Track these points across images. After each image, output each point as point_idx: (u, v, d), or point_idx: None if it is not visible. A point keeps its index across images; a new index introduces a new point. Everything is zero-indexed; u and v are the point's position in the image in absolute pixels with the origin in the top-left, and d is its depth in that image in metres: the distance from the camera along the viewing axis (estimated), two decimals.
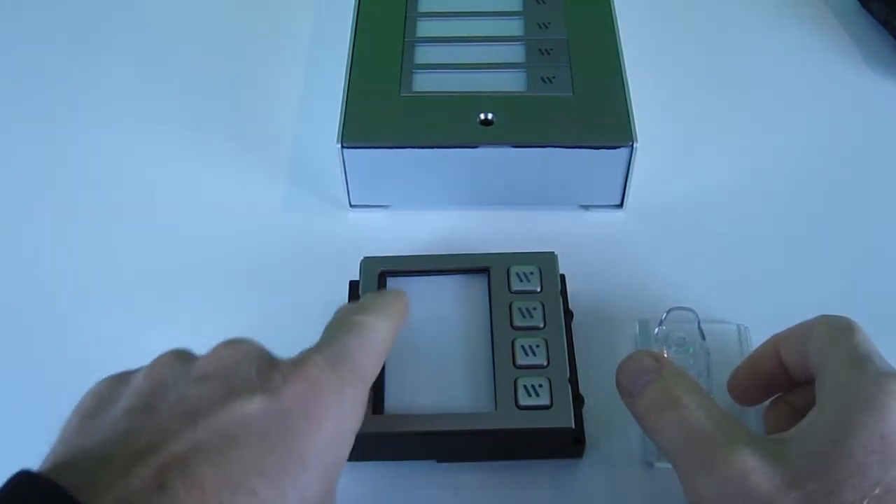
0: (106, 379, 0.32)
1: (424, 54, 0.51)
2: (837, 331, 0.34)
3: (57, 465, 0.26)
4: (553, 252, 0.44)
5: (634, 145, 0.46)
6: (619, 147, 0.46)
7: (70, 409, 0.31)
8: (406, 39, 0.52)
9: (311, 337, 0.44)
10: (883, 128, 0.55)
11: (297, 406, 0.29)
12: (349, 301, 0.43)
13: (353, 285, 0.44)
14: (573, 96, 0.49)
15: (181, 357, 0.32)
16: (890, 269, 0.48)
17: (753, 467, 0.30)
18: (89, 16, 0.62)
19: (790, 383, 0.37)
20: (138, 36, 0.61)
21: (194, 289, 0.47)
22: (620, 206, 0.50)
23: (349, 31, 0.52)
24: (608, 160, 0.47)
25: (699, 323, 0.42)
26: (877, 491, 0.29)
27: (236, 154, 0.53)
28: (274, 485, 0.26)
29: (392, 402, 0.39)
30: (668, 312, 0.42)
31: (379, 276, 0.43)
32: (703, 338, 0.42)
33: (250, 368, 0.30)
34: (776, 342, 0.37)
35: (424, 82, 0.50)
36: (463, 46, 0.52)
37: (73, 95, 0.57)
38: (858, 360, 0.32)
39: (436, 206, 0.50)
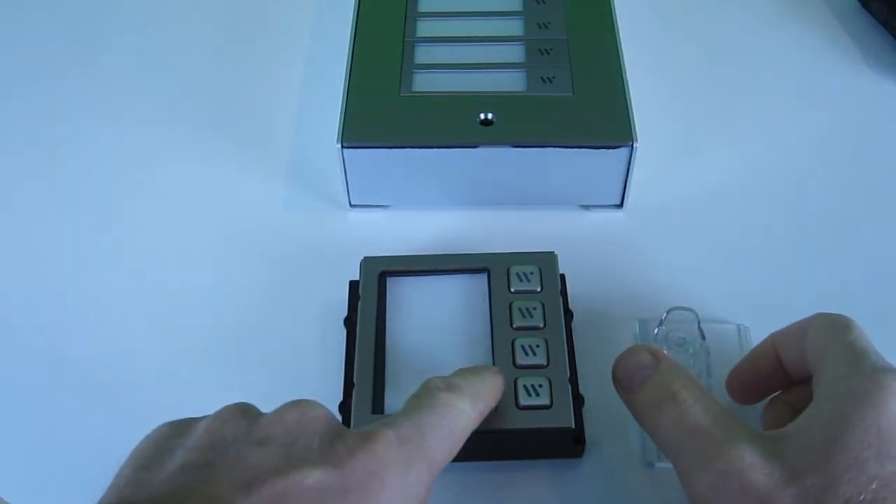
0: (166, 425, 0.31)
1: (424, 54, 0.51)
2: (834, 328, 0.34)
3: None
4: (553, 252, 0.44)
5: (634, 145, 0.46)
6: (619, 147, 0.46)
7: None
8: (406, 39, 0.52)
9: (312, 337, 0.44)
10: (883, 128, 0.55)
11: (358, 483, 0.27)
12: (349, 301, 0.44)
13: (353, 285, 0.44)
14: (573, 96, 0.49)
15: (245, 413, 0.30)
16: (890, 269, 0.48)
17: (751, 463, 0.30)
18: (89, 16, 0.62)
19: (788, 381, 0.37)
20: (138, 36, 0.61)
21: (194, 289, 0.47)
22: (620, 206, 0.50)
23: (349, 31, 0.52)
24: (608, 160, 0.47)
25: (699, 323, 0.42)
26: (873, 485, 0.29)
27: (236, 154, 0.53)
28: None
29: (392, 402, 0.39)
30: (668, 312, 0.42)
31: (379, 276, 0.43)
32: (703, 338, 0.42)
33: (314, 437, 0.29)
34: (774, 340, 0.38)
35: (424, 82, 0.50)
36: (463, 46, 0.52)
37: (73, 95, 0.57)
38: (855, 356, 0.32)
39: (436, 206, 0.50)
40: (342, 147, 0.47)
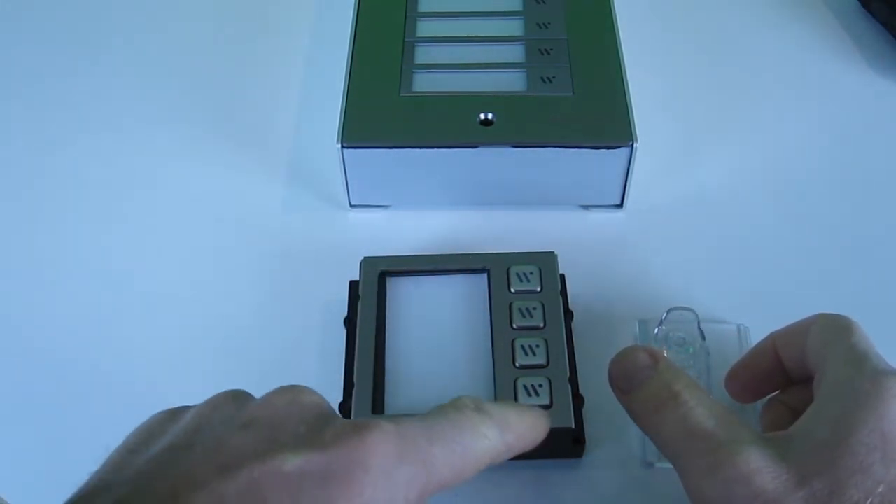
0: (161, 412, 0.30)
1: (424, 54, 0.51)
2: (835, 329, 0.34)
3: (73, 500, 0.25)
4: (553, 252, 0.44)
5: (634, 145, 0.46)
6: (619, 147, 0.46)
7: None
8: (406, 39, 0.52)
9: (312, 337, 0.44)
10: (883, 128, 0.55)
11: (340, 471, 0.26)
12: (349, 301, 0.44)
13: (353, 285, 0.44)
14: (573, 96, 0.49)
15: (237, 398, 0.30)
16: (890, 269, 0.48)
17: (758, 467, 0.30)
18: (89, 16, 0.62)
19: (787, 381, 0.37)
20: (138, 36, 0.61)
21: (194, 289, 0.47)
22: (620, 206, 0.50)
23: (349, 31, 0.52)
24: (608, 160, 0.47)
25: (699, 323, 0.42)
26: (880, 489, 0.29)
27: (236, 154, 0.53)
28: None
29: (392, 401, 0.39)
30: (668, 312, 0.42)
31: (379, 276, 0.43)
32: (703, 338, 0.42)
33: (301, 422, 0.28)
34: (774, 340, 0.37)
35: (424, 82, 0.50)
36: (463, 46, 0.52)
37: (72, 95, 0.57)
38: (856, 358, 0.32)
39: (436, 206, 0.50)
40: (342, 147, 0.47)
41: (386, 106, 0.49)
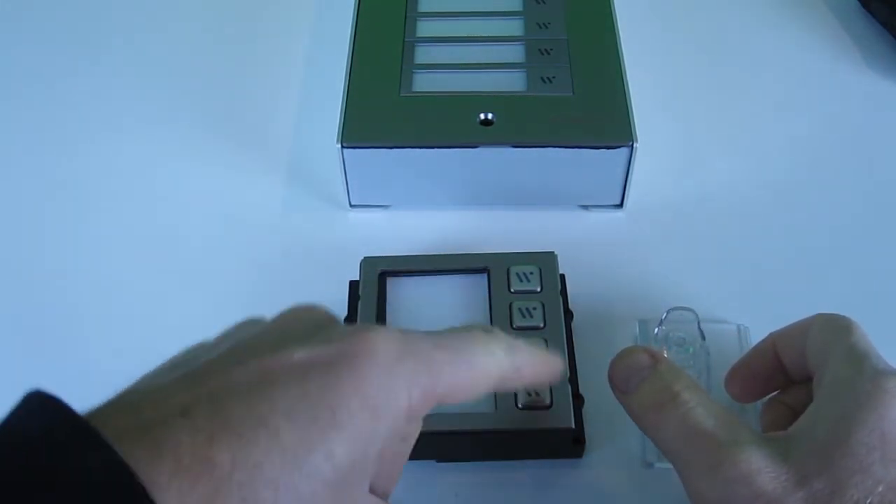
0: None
1: (424, 54, 0.51)
2: (835, 329, 0.34)
3: (108, 402, 0.26)
4: (553, 252, 0.44)
5: (634, 145, 0.46)
6: (619, 147, 0.46)
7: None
8: (406, 39, 0.52)
9: None
10: (883, 128, 0.55)
11: (342, 357, 0.27)
12: (349, 301, 0.44)
13: (353, 285, 0.44)
14: (573, 96, 0.49)
15: (254, 321, 0.32)
16: (890, 269, 0.48)
17: (758, 467, 0.30)
18: (89, 16, 0.62)
19: (787, 381, 0.37)
20: (138, 36, 0.61)
21: (194, 289, 0.47)
22: (620, 206, 0.50)
23: (349, 31, 0.52)
24: (608, 160, 0.47)
25: (699, 323, 0.42)
26: (880, 489, 0.29)
27: (236, 154, 0.53)
28: (297, 430, 0.25)
29: None
30: (668, 312, 0.42)
31: (379, 276, 0.43)
32: (703, 338, 0.42)
33: (311, 325, 0.30)
34: (774, 340, 0.38)
35: (424, 82, 0.50)
36: (463, 46, 0.52)
37: (72, 95, 0.57)
38: (856, 358, 0.32)
39: (436, 206, 0.50)
40: (342, 147, 0.47)
41: (386, 106, 0.49)
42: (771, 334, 0.38)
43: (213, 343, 0.30)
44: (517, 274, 0.43)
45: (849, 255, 0.48)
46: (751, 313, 0.44)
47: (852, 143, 0.54)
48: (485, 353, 0.30)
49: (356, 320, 0.42)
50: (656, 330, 0.42)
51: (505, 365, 0.30)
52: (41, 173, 0.53)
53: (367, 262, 0.44)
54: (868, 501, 0.29)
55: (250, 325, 0.31)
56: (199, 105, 0.56)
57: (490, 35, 0.53)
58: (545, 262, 0.43)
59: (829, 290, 0.46)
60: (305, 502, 0.25)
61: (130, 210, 0.51)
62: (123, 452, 0.22)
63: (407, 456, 0.32)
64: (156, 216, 0.50)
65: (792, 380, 0.37)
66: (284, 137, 0.54)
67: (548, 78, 0.50)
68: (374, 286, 0.43)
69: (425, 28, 0.53)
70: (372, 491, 0.29)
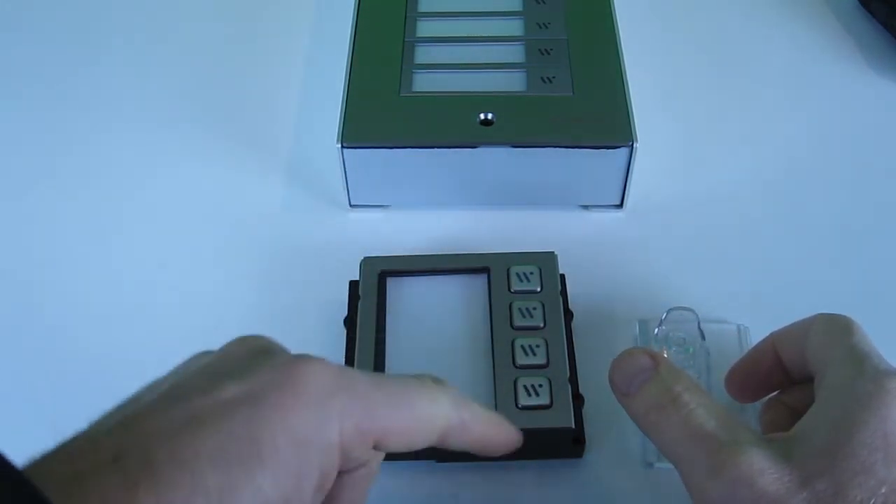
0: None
1: (424, 54, 0.51)
2: (836, 329, 0.34)
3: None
4: (553, 252, 0.44)
5: (634, 145, 0.46)
6: (619, 147, 0.46)
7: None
8: (406, 39, 0.52)
9: (312, 336, 0.44)
10: (883, 128, 0.55)
11: (271, 394, 0.27)
12: (349, 301, 0.43)
13: (353, 285, 0.44)
14: (573, 96, 0.49)
15: (200, 355, 0.32)
16: (890, 269, 0.48)
17: (761, 469, 0.30)
18: (89, 16, 0.62)
19: (787, 381, 0.37)
20: (138, 36, 0.61)
21: (194, 289, 0.47)
22: (620, 206, 0.50)
23: (349, 31, 0.52)
24: (608, 160, 0.47)
25: (699, 323, 0.42)
26: (883, 489, 0.29)
27: (236, 154, 0.53)
28: (221, 472, 0.25)
29: None
30: (668, 312, 0.42)
31: (379, 276, 0.43)
32: (703, 338, 0.42)
33: (246, 358, 0.29)
34: (774, 340, 0.37)
35: (424, 82, 0.50)
36: (463, 46, 0.52)
37: (72, 95, 0.57)
38: (857, 358, 0.32)
39: (436, 206, 0.50)
40: (342, 147, 0.47)
41: (386, 106, 0.49)
42: (771, 334, 0.38)
43: (161, 381, 0.30)
44: (517, 274, 0.43)
45: (849, 255, 0.48)
46: (751, 313, 0.44)
47: (852, 143, 0.54)
48: (429, 400, 0.30)
49: (356, 320, 0.42)
50: (656, 330, 0.42)
51: (451, 416, 0.31)
52: (41, 173, 0.53)
53: (367, 262, 0.44)
54: (871, 502, 0.28)
55: (196, 360, 0.31)
56: (199, 105, 0.56)
57: (490, 35, 0.53)
58: (545, 262, 0.43)
59: (829, 290, 0.46)
60: None
61: (130, 210, 0.51)
62: None
63: (366, 491, 0.32)
64: (155, 216, 0.50)
65: (792, 380, 0.37)
66: (284, 137, 0.54)
67: (548, 78, 0.50)
68: (374, 286, 0.43)
69: (425, 28, 0.53)
70: None
